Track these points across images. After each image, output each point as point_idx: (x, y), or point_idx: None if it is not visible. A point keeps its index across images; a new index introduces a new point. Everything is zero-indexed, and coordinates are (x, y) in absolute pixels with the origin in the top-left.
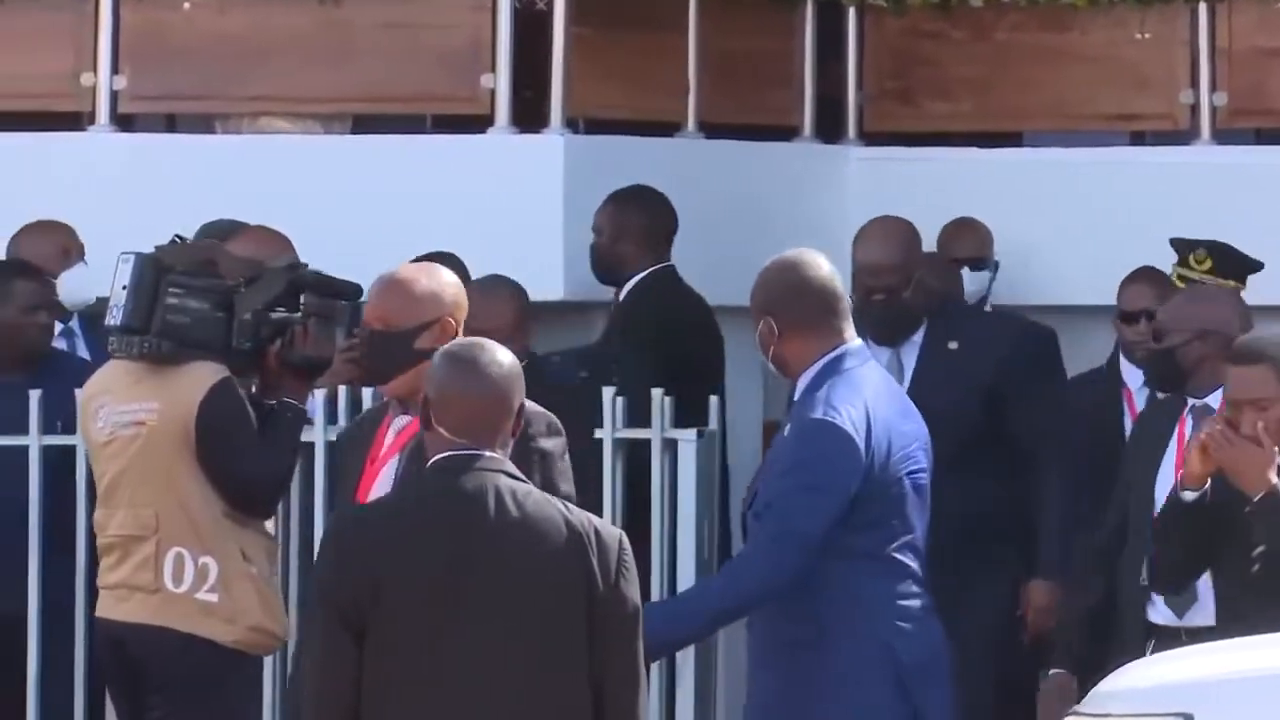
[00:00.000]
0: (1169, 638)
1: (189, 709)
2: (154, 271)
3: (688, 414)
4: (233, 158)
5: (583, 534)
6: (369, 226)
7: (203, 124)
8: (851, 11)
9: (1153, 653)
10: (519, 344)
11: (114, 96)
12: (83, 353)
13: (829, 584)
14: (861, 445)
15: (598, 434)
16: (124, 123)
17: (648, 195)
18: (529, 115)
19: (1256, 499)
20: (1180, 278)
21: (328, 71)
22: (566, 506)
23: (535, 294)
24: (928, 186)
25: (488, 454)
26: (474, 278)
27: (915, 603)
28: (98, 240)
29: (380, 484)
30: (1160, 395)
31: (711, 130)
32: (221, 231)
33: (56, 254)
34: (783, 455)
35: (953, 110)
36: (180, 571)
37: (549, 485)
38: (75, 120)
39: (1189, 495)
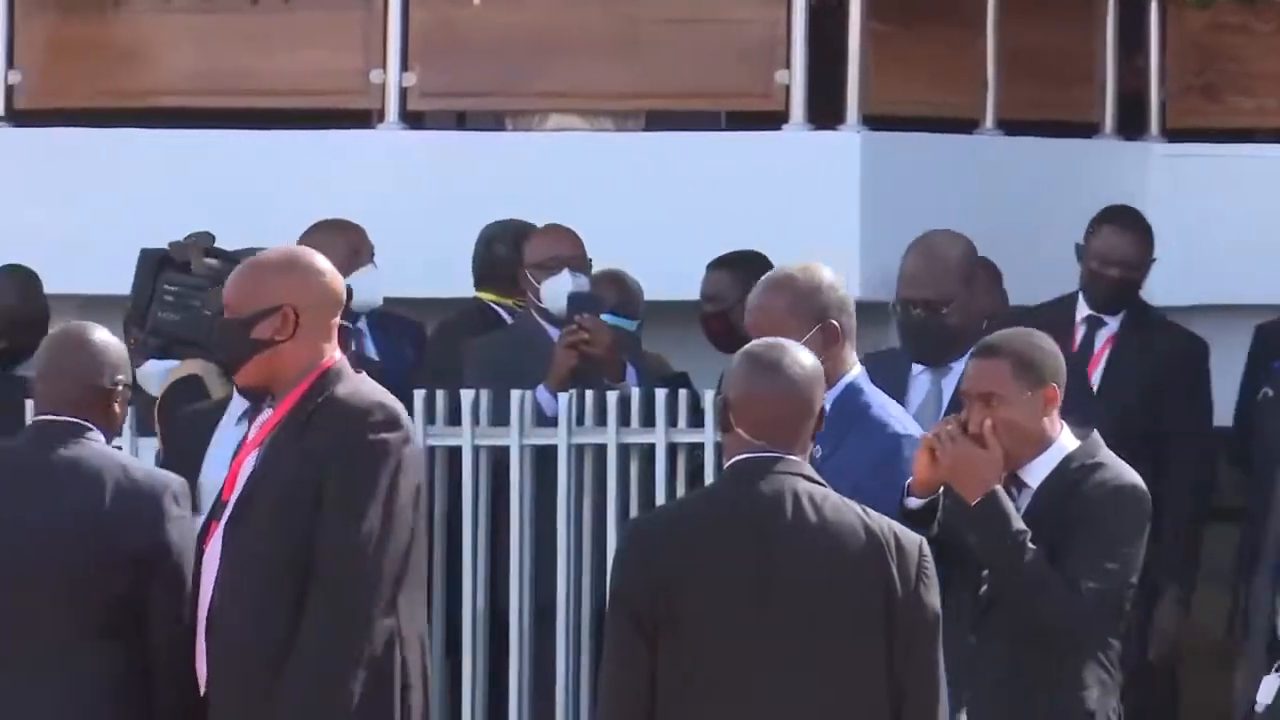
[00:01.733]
0: None
1: None
2: (153, 269)
3: None
4: (523, 155)
5: (882, 540)
6: (661, 225)
7: (493, 121)
8: (1153, 5)
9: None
10: None
11: (403, 94)
12: (371, 353)
13: None
14: None
15: None
16: (413, 120)
17: None
18: (824, 111)
19: (973, 505)
20: None
21: (620, 68)
22: (865, 511)
23: None
24: (1231, 184)
25: (788, 457)
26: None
27: None
28: (387, 239)
29: (240, 479)
30: None
31: (1010, 127)
32: (512, 232)
33: (347, 254)
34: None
35: (1258, 106)
36: None
37: None
38: (365, 118)
39: (913, 503)
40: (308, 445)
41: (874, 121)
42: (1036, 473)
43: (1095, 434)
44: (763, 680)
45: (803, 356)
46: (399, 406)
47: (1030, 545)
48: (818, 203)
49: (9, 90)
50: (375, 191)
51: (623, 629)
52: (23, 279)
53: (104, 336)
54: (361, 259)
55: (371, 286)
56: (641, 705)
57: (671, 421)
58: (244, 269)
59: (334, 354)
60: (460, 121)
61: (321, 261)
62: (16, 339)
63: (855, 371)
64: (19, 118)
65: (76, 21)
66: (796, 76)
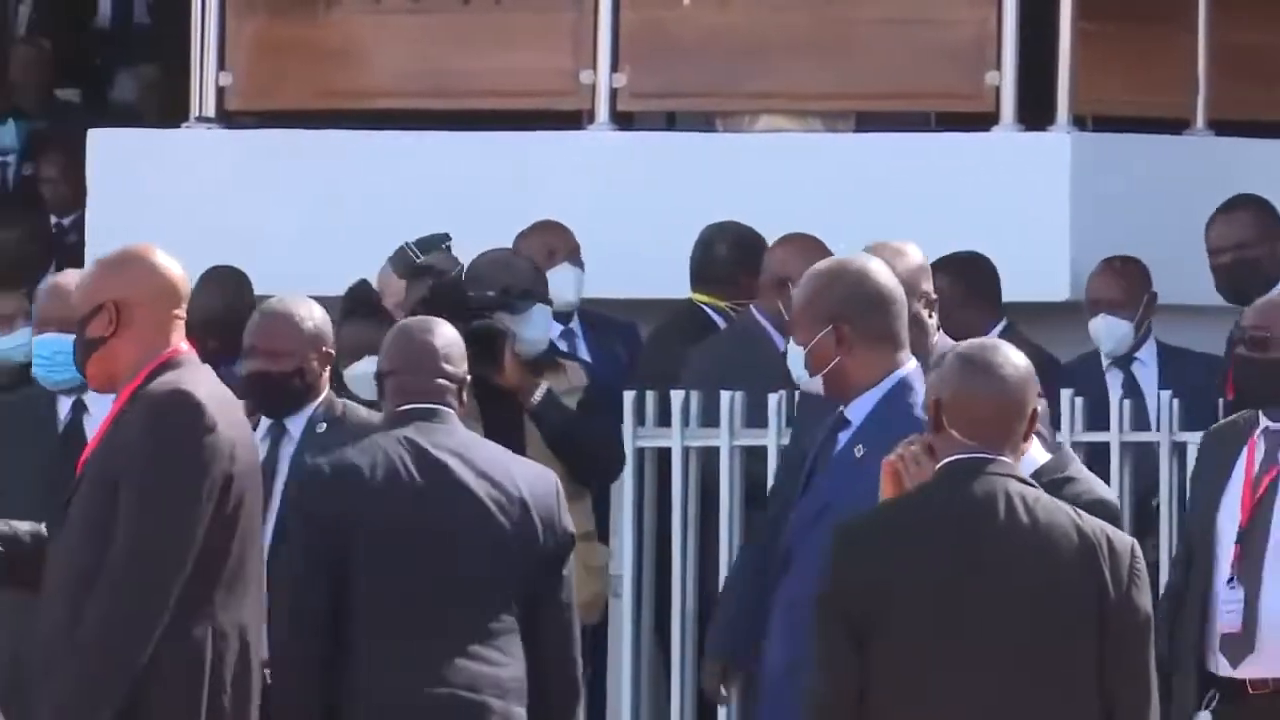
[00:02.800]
0: (1231, 691)
1: None
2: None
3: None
4: (733, 156)
5: (1094, 541)
6: (870, 225)
7: (703, 122)
8: None
9: (1214, 707)
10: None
11: (613, 94)
12: (583, 354)
13: None
14: None
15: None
16: (623, 120)
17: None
18: (1034, 112)
19: None
20: None
21: (830, 68)
22: (1077, 513)
23: (1038, 294)
24: None
25: (1000, 458)
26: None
27: None
28: (596, 240)
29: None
30: (1227, 416)
31: (1221, 127)
32: (731, 234)
33: (542, 254)
34: None
35: None
36: None
37: None
38: (575, 118)
39: None
40: (115, 440)
41: (1084, 122)
42: None
43: (1066, 448)
44: (974, 682)
45: (1015, 356)
46: (206, 396)
47: None
48: (1027, 204)
49: (220, 92)
50: (585, 192)
51: (832, 630)
52: (229, 280)
53: (449, 330)
54: (556, 258)
55: (565, 286)
56: (850, 706)
57: None
58: (82, 272)
59: (179, 345)
60: (670, 122)
61: (157, 256)
62: (224, 340)
63: (904, 370)
64: (229, 119)
65: (287, 23)
66: (1006, 77)
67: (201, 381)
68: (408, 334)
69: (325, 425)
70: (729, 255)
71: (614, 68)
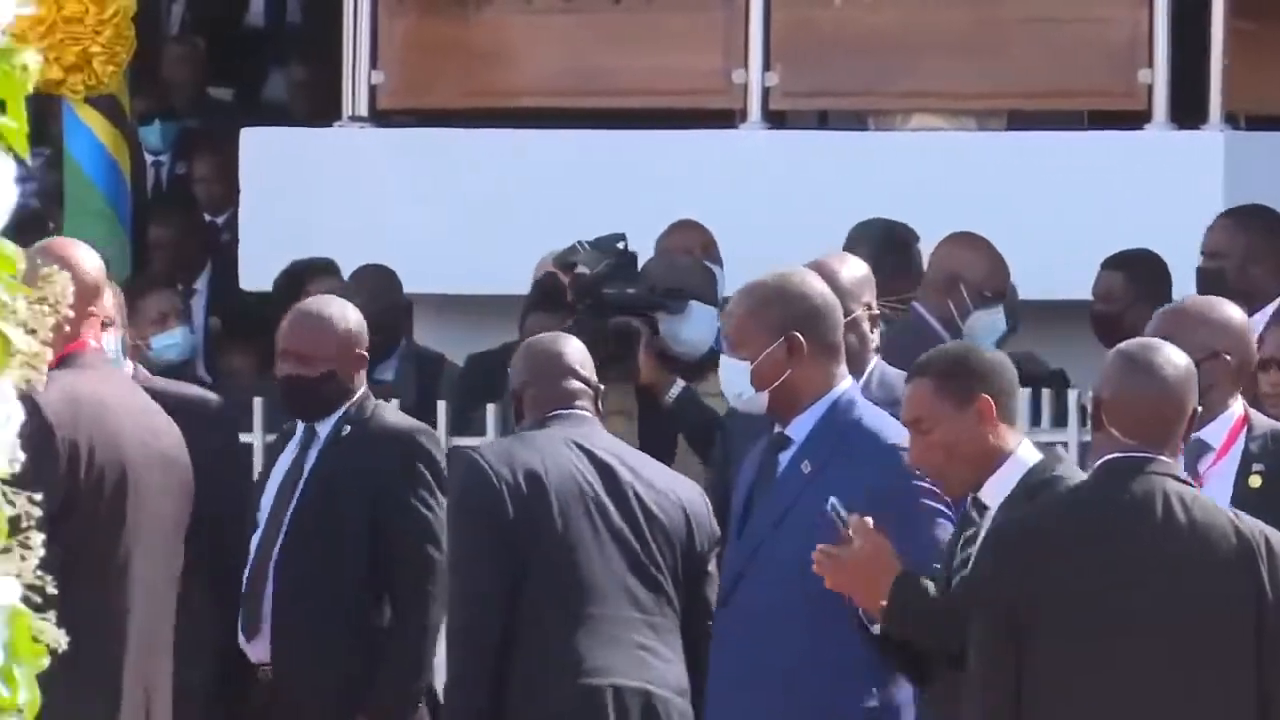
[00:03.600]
0: None
1: None
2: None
3: None
4: (885, 155)
5: (1252, 542)
6: (1022, 225)
7: (854, 120)
8: None
9: None
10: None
11: (765, 93)
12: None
13: None
14: None
15: None
16: (775, 119)
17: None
18: (1186, 110)
19: (884, 615)
20: None
21: (982, 67)
22: (1235, 514)
23: (1191, 293)
24: None
25: (1159, 458)
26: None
27: None
28: (748, 239)
29: None
30: None
31: None
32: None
33: (699, 253)
34: (885, 483)
35: None
36: None
37: None
38: (727, 117)
39: (875, 629)
40: None
41: (1237, 120)
42: (995, 492)
43: (1057, 448)
44: (1131, 681)
45: (1176, 356)
46: (59, 398)
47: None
48: (1180, 203)
49: (372, 90)
50: (736, 191)
51: (991, 628)
52: (379, 279)
53: (575, 341)
54: (706, 257)
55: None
56: (1010, 705)
57: (1035, 421)
58: None
59: (86, 341)
60: (822, 121)
61: (72, 250)
62: (373, 340)
63: (843, 385)
64: (381, 117)
65: (439, 22)
66: (1159, 75)
67: (81, 381)
68: (537, 346)
69: (350, 428)
70: (874, 253)
71: (766, 67)
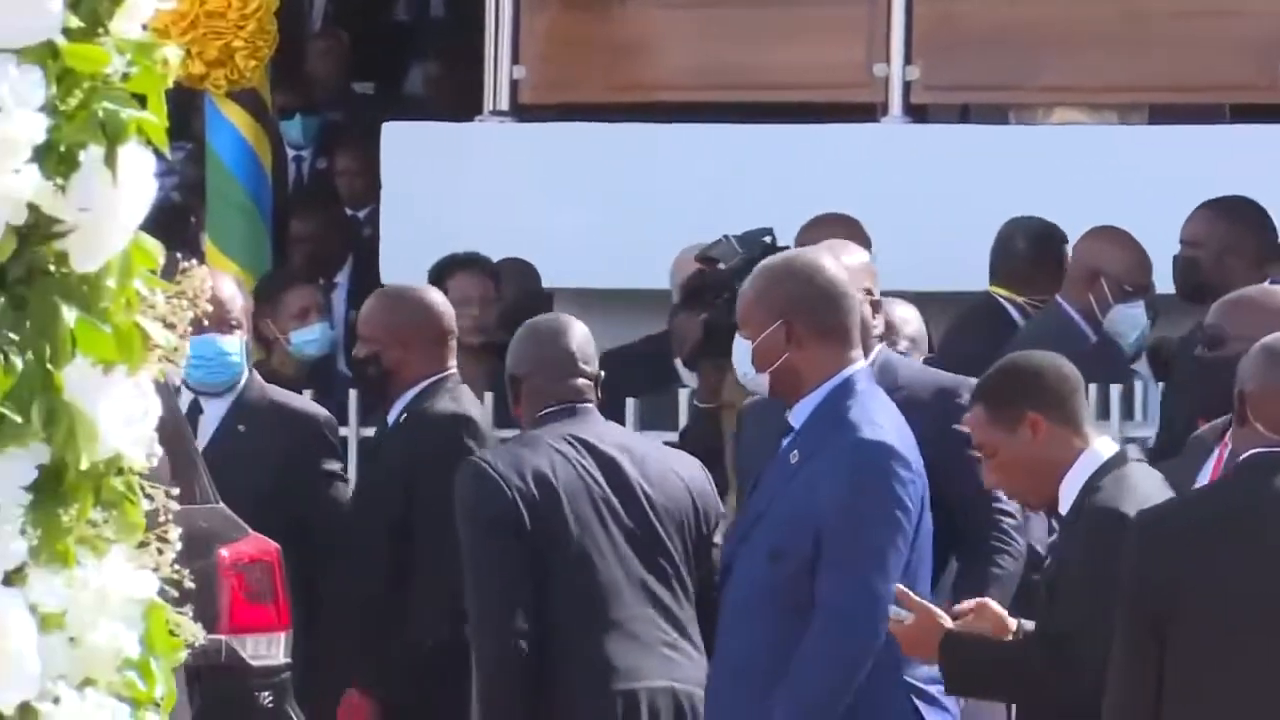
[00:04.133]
0: None
1: None
2: None
3: None
4: (1027, 149)
5: None
6: (1162, 218)
7: (996, 114)
8: None
9: None
10: None
11: (907, 87)
12: None
13: None
14: (911, 477)
15: None
16: (917, 113)
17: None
18: None
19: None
20: None
21: (1123, 61)
22: None
23: None
24: None
25: None
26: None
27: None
28: (890, 233)
29: None
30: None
31: None
32: (1033, 229)
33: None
34: (834, 493)
35: None
36: None
37: None
38: (869, 111)
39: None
40: None
41: None
42: (1067, 496)
43: (1124, 448)
44: (1269, 679)
45: None
46: None
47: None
48: None
49: (514, 85)
50: (878, 185)
51: (1130, 623)
52: (519, 274)
53: (579, 328)
54: None
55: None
56: (1148, 699)
57: (1126, 415)
58: None
59: None
60: (963, 115)
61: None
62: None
63: (849, 370)
64: (523, 112)
65: (580, 17)
66: None
67: None
68: (542, 334)
69: (406, 416)
70: (1028, 250)
71: (907, 60)
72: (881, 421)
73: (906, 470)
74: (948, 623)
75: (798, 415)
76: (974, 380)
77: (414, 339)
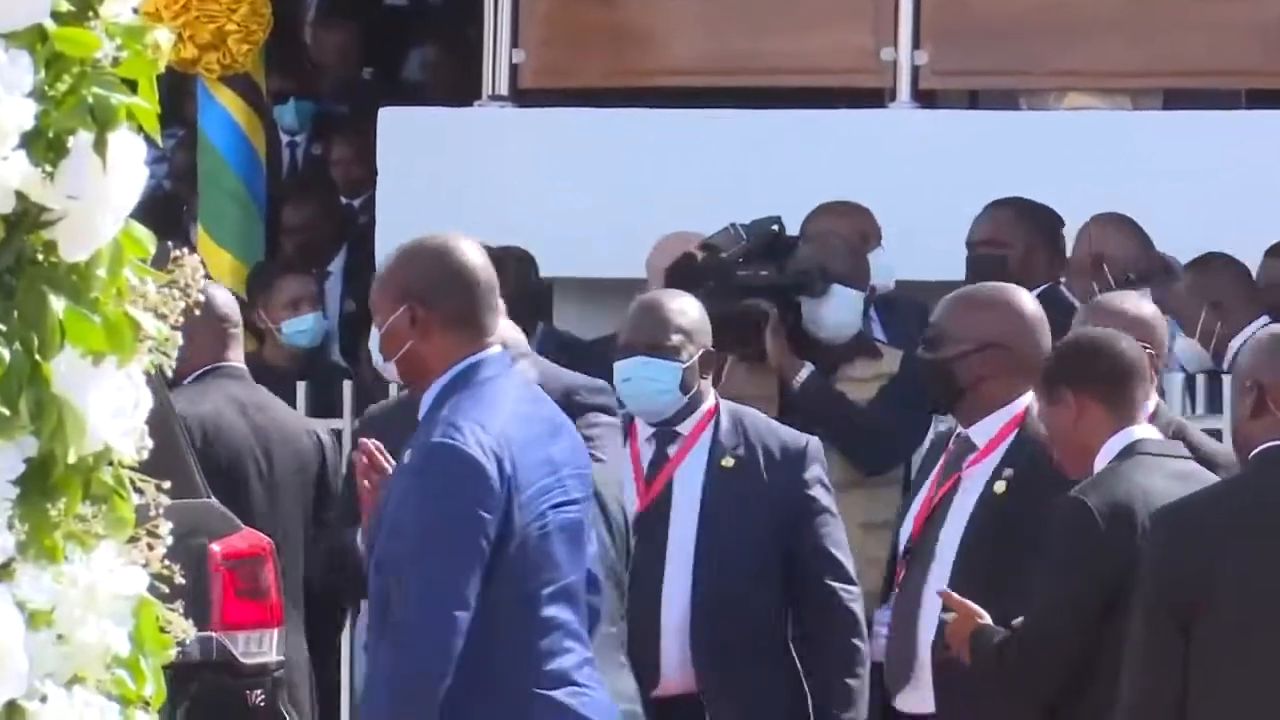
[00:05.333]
0: None
1: None
2: None
3: None
4: (1038, 135)
5: None
6: (1176, 204)
7: (1006, 100)
8: None
9: None
10: None
11: (915, 72)
12: (879, 334)
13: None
14: (495, 474)
15: None
16: (925, 99)
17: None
18: None
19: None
20: None
21: (1136, 46)
22: None
23: None
24: None
25: None
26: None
27: (567, 662)
28: (898, 220)
29: None
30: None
31: None
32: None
33: (855, 238)
34: (404, 493)
35: None
36: None
37: None
38: (876, 97)
39: None
40: None
41: None
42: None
43: (1143, 439)
44: None
45: None
46: None
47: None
48: None
49: (513, 70)
50: (885, 171)
51: (1154, 617)
52: (515, 262)
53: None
54: (870, 243)
55: (883, 269)
56: (1173, 693)
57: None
58: None
59: None
60: (972, 101)
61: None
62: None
63: (477, 357)
64: (523, 97)
65: (581, 1)
66: None
67: None
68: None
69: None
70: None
71: (915, 45)
72: (480, 418)
73: (476, 473)
74: (985, 618)
75: (422, 407)
76: None
77: None
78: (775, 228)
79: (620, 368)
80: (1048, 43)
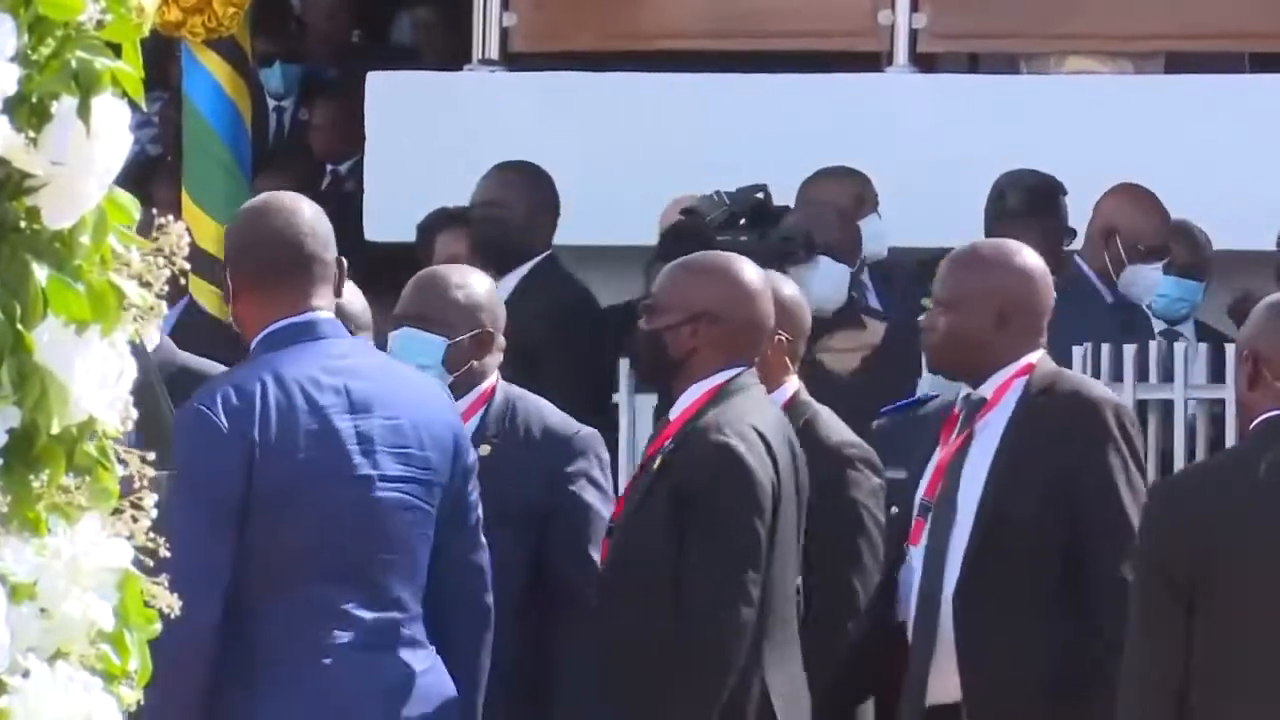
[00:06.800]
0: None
1: None
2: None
3: None
4: (1039, 99)
5: None
6: (1179, 170)
7: (1006, 63)
8: None
9: None
10: None
11: (913, 35)
12: (874, 302)
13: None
14: (238, 439)
15: None
16: (924, 63)
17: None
18: None
19: None
20: None
21: (1139, 9)
22: None
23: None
24: None
25: None
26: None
27: (340, 639)
28: (896, 184)
29: None
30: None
31: None
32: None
33: (851, 203)
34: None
35: None
36: None
37: None
38: (873, 60)
39: None
40: None
41: None
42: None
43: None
44: None
45: None
46: None
47: None
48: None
49: (504, 33)
50: (884, 137)
51: (1155, 591)
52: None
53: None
54: (865, 208)
55: (875, 235)
56: (1175, 668)
57: (1141, 376)
58: None
59: None
60: (972, 64)
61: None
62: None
63: (276, 325)
64: (514, 61)
65: None
66: None
67: None
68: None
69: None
70: (1018, 207)
71: (914, 8)
72: (241, 382)
73: (214, 438)
74: None
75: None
76: None
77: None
78: (760, 195)
79: (390, 338)
80: (1048, 6)
